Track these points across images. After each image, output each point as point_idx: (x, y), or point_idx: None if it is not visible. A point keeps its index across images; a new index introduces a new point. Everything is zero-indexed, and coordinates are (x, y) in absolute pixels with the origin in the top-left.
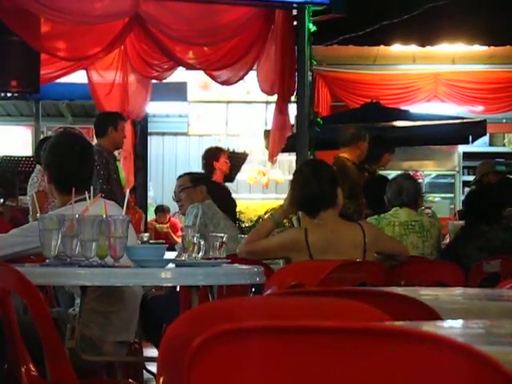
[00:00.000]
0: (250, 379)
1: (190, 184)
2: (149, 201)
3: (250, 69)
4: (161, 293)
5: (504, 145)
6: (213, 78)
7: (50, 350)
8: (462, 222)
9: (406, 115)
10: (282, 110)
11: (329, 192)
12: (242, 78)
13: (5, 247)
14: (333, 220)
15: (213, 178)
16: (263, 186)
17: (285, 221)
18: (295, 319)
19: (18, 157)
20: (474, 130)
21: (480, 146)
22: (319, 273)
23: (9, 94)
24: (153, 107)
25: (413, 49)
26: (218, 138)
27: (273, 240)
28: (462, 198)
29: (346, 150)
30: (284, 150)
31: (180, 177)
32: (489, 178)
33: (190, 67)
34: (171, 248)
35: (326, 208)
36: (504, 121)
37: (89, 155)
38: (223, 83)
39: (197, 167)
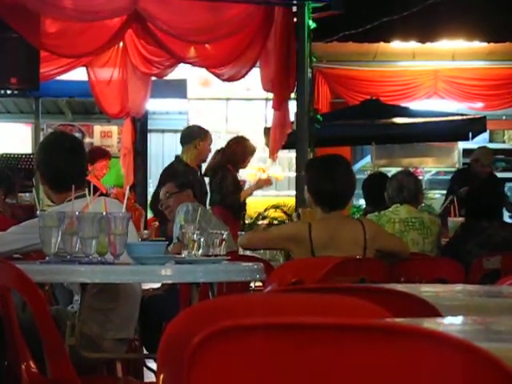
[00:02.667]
0: (250, 376)
1: (176, 189)
2: (149, 198)
3: (253, 66)
4: (158, 292)
5: (504, 141)
6: (215, 75)
7: (50, 347)
8: (462, 219)
9: (405, 112)
10: (281, 106)
11: (352, 192)
12: (244, 75)
13: (4, 244)
14: (337, 217)
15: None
16: None
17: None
18: (295, 316)
19: (18, 154)
20: (474, 126)
21: (480, 142)
22: (319, 270)
23: (8, 92)
24: (153, 104)
25: (412, 45)
26: (217, 135)
27: (275, 230)
28: None
29: (183, 149)
30: (284, 147)
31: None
32: (478, 164)
33: (190, 64)
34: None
35: (343, 207)
36: (504, 117)
37: (79, 152)
38: (225, 80)
39: None
